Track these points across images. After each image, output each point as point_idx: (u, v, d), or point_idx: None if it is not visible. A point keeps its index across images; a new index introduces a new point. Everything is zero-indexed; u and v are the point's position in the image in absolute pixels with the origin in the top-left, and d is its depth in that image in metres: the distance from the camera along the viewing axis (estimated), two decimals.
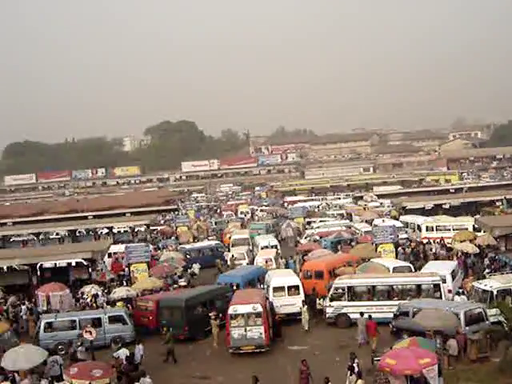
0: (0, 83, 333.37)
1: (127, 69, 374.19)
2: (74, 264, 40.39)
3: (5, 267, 39.56)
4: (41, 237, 62.43)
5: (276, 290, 29.49)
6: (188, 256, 46.26)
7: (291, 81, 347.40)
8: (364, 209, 67.82)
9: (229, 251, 45.58)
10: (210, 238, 58.13)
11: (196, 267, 40.58)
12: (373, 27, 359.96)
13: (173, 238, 59.06)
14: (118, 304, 30.83)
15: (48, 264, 39.90)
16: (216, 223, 70.13)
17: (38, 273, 37.78)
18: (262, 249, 44.66)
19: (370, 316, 25.35)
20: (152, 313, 29.14)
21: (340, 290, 28.36)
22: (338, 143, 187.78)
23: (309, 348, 25.73)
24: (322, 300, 28.98)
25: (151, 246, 47.82)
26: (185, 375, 23.53)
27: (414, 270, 32.48)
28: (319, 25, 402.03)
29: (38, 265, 38.55)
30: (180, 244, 53.01)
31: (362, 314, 25.45)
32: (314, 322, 28.12)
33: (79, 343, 24.33)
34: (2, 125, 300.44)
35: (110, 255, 45.36)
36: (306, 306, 28.01)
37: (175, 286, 35.76)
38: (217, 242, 52.29)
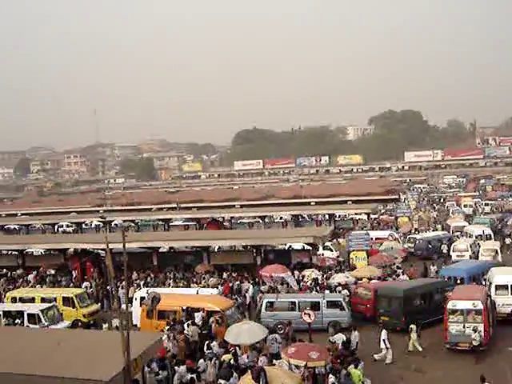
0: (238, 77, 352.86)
1: (354, 62, 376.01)
2: (295, 248, 41.79)
3: (239, 247, 42.18)
4: (266, 220, 65.12)
5: (499, 287, 27.97)
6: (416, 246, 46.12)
7: None
8: None
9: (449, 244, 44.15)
10: (432, 229, 56.61)
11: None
12: None
13: (393, 227, 58.44)
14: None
15: (270, 246, 41.67)
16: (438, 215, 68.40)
17: (262, 254, 39.48)
18: (476, 238, 43.47)
19: None
20: (370, 301, 29.15)
21: None
22: None
23: None
24: None
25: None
26: (400, 367, 23.20)
27: None
28: None
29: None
30: (401, 235, 52.30)
31: None
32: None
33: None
34: (233, 113, 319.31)
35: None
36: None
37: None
38: (445, 232, 50.98)
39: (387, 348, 23.53)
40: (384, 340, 23.60)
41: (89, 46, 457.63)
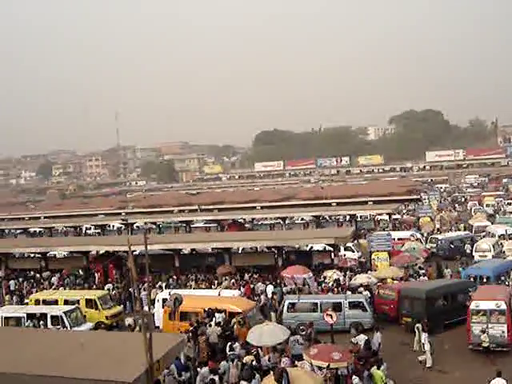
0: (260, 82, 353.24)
1: (374, 62, 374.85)
2: (317, 249, 41.70)
3: (262, 247, 42.17)
4: (287, 221, 65.03)
5: None
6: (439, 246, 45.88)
7: None
8: None
9: (472, 244, 43.82)
10: (454, 229, 56.18)
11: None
12: None
13: (415, 228, 58.04)
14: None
15: (292, 248, 41.61)
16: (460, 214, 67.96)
17: (284, 255, 39.43)
18: (498, 238, 43.36)
19: None
20: (393, 301, 29.02)
21: None
22: None
23: None
24: None
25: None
26: (422, 367, 23.09)
27: None
28: None
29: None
30: (422, 235, 51.95)
31: None
32: None
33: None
34: (253, 115, 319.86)
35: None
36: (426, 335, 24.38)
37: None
38: (467, 232, 50.67)
39: (426, 351, 23.35)
40: (423, 343, 23.44)
41: (111, 49, 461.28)
